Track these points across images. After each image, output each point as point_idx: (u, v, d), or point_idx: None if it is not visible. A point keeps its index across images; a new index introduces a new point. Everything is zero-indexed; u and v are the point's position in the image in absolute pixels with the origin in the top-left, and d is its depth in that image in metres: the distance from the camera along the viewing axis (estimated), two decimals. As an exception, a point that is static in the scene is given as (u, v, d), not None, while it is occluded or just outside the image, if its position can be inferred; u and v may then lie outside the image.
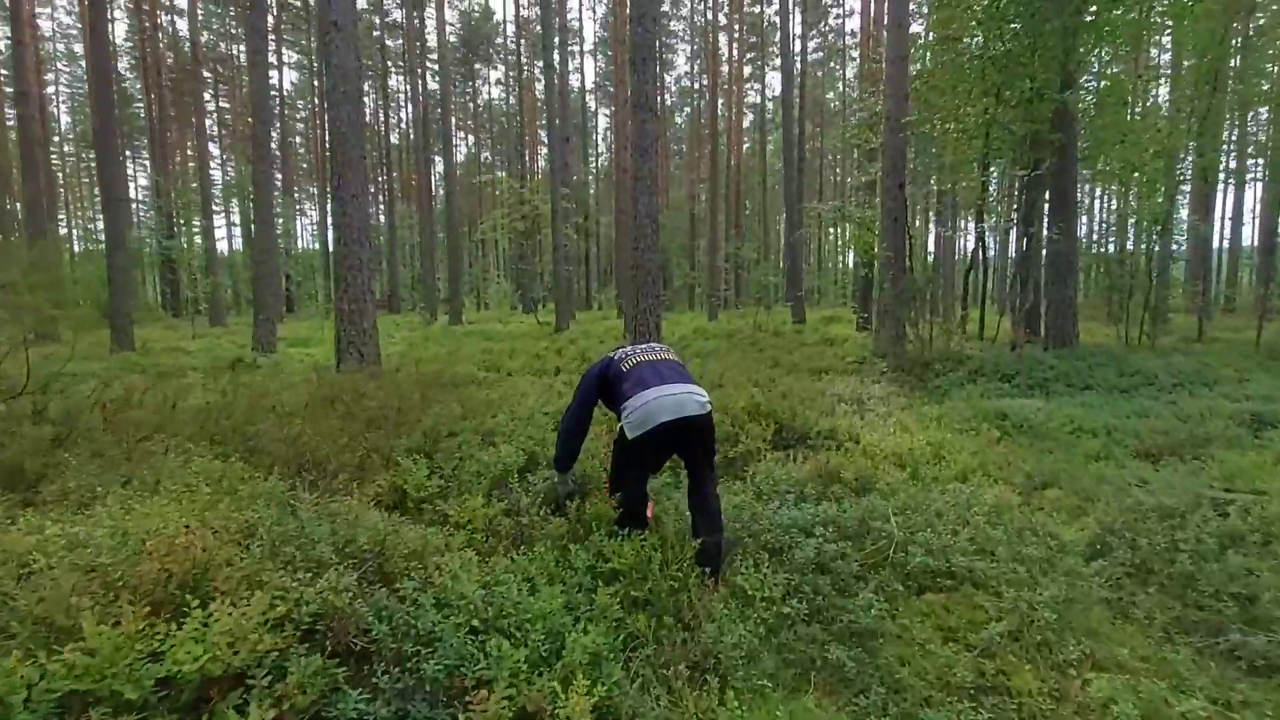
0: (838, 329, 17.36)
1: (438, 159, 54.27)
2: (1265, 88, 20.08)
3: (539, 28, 21.08)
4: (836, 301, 33.61)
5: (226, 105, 39.11)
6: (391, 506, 3.62)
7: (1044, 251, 10.90)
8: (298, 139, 43.98)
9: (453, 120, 24.78)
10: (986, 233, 14.58)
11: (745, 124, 43.85)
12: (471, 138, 49.52)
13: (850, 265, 23.65)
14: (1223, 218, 22.65)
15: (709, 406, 3.29)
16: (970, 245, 15.06)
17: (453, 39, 42.27)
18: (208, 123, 31.92)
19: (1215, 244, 22.35)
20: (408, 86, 35.89)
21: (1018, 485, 4.62)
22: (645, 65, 8.67)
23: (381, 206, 38.89)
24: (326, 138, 9.94)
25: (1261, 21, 19.10)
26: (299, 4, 36.88)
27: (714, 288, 22.80)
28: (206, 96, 35.74)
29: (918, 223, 23.69)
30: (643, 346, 3.69)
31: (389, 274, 37.61)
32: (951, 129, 10.82)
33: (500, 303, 33.16)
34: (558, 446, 3.65)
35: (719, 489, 3.58)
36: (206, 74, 34.23)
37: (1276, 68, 20.74)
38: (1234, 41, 16.84)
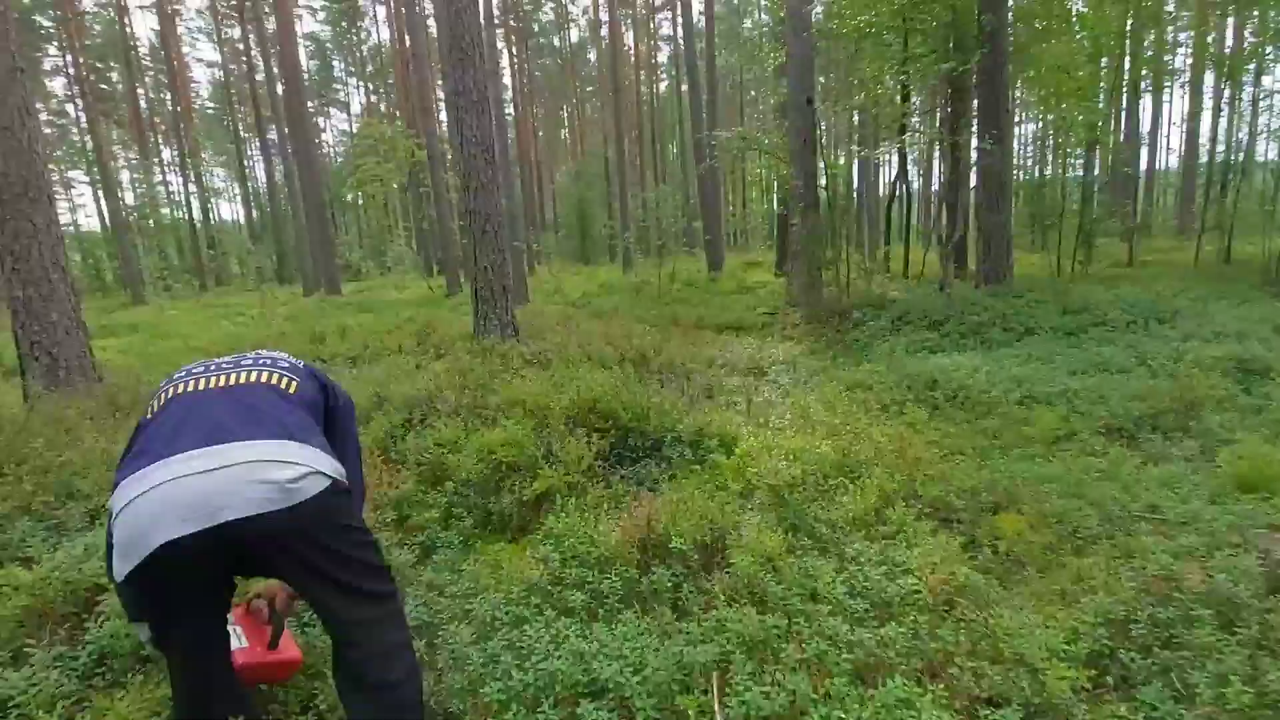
0: (756, 275, 15.73)
1: (334, 111, 49.53)
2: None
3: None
4: (764, 244, 32.03)
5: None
6: None
7: (973, 172, 9.35)
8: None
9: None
10: (909, 155, 13.03)
11: (662, 58, 41.16)
12: (363, 85, 44.88)
13: (775, 204, 21.93)
14: (1138, 133, 21.84)
15: (307, 488, 1.49)
16: (894, 174, 13.56)
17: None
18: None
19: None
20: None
21: (959, 512, 2.99)
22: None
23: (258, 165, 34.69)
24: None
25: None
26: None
27: (629, 237, 20.77)
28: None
29: (838, 153, 22.12)
30: (225, 361, 1.79)
31: (275, 242, 33.81)
32: (864, 21, 8.97)
33: (407, 268, 30.10)
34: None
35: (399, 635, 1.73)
36: None
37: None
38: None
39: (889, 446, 3.58)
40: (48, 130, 40.56)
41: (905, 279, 11.08)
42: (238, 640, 1.88)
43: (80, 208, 44.48)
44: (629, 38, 36.58)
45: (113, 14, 34.68)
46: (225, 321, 13.68)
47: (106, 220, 33.38)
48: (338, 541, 1.58)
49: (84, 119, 33.83)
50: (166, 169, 38.88)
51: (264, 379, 1.70)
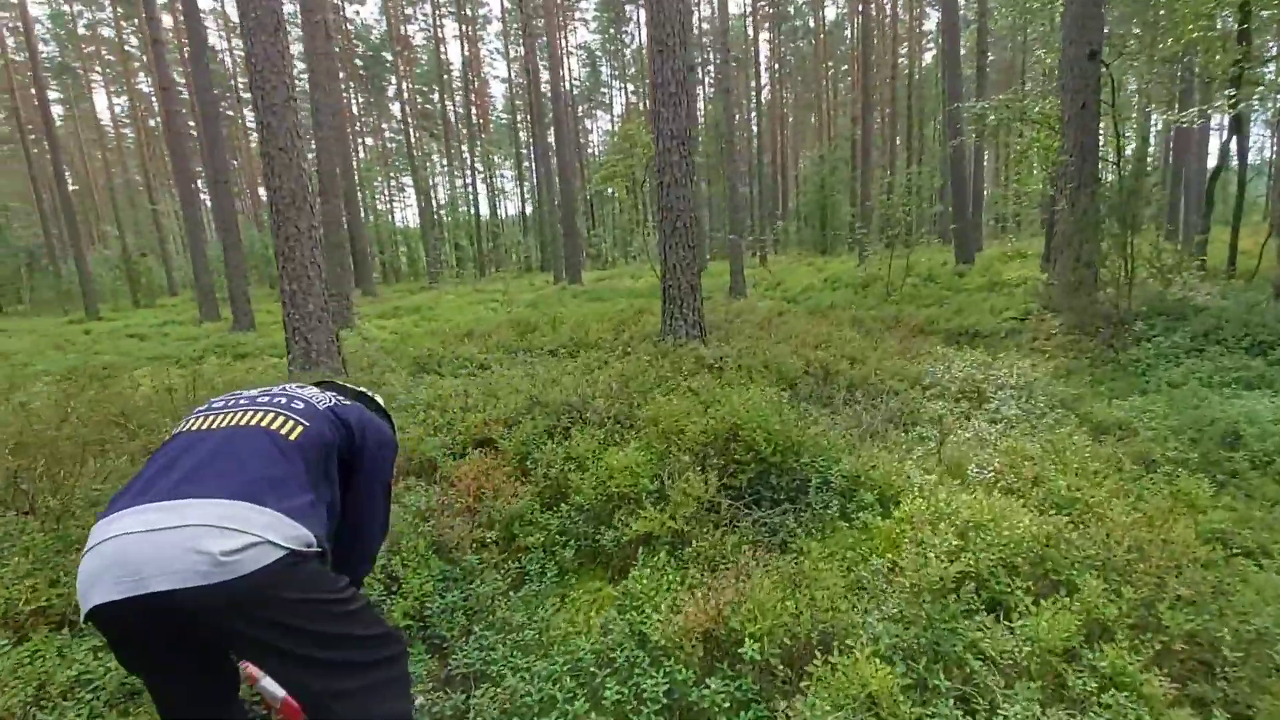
0: (1016, 270, 13.20)
1: (599, 113, 53.88)
2: None
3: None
4: (1038, 232, 26.92)
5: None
6: None
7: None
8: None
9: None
10: (1260, 115, 9.72)
11: (929, 25, 36.94)
12: (625, 87, 47.94)
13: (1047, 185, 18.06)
14: None
15: (246, 562, 1.32)
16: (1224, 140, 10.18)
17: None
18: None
19: None
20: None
21: (1230, 670, 1.93)
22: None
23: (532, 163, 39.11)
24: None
25: None
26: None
27: (867, 226, 18.95)
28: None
29: (1130, 119, 17.49)
30: (245, 397, 1.73)
31: (540, 234, 37.86)
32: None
33: (649, 258, 31.59)
34: None
35: None
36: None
37: None
38: None
39: (1133, 534, 2.50)
40: (391, 145, 51.00)
41: (1227, 279, 8.27)
42: (277, 689, 1.84)
43: (408, 208, 54.46)
44: (890, 5, 33.45)
45: (433, 45, 41.52)
46: (480, 307, 15.52)
47: (419, 218, 40.26)
48: (293, 616, 1.41)
49: (412, 133, 41.53)
50: (467, 172, 45.64)
51: (265, 422, 1.60)
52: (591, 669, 1.99)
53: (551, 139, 28.51)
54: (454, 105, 46.29)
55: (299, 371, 6.02)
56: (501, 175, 54.19)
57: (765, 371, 5.30)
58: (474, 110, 47.92)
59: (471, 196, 43.89)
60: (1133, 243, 6.32)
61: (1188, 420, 3.82)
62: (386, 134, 49.56)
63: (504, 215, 51.54)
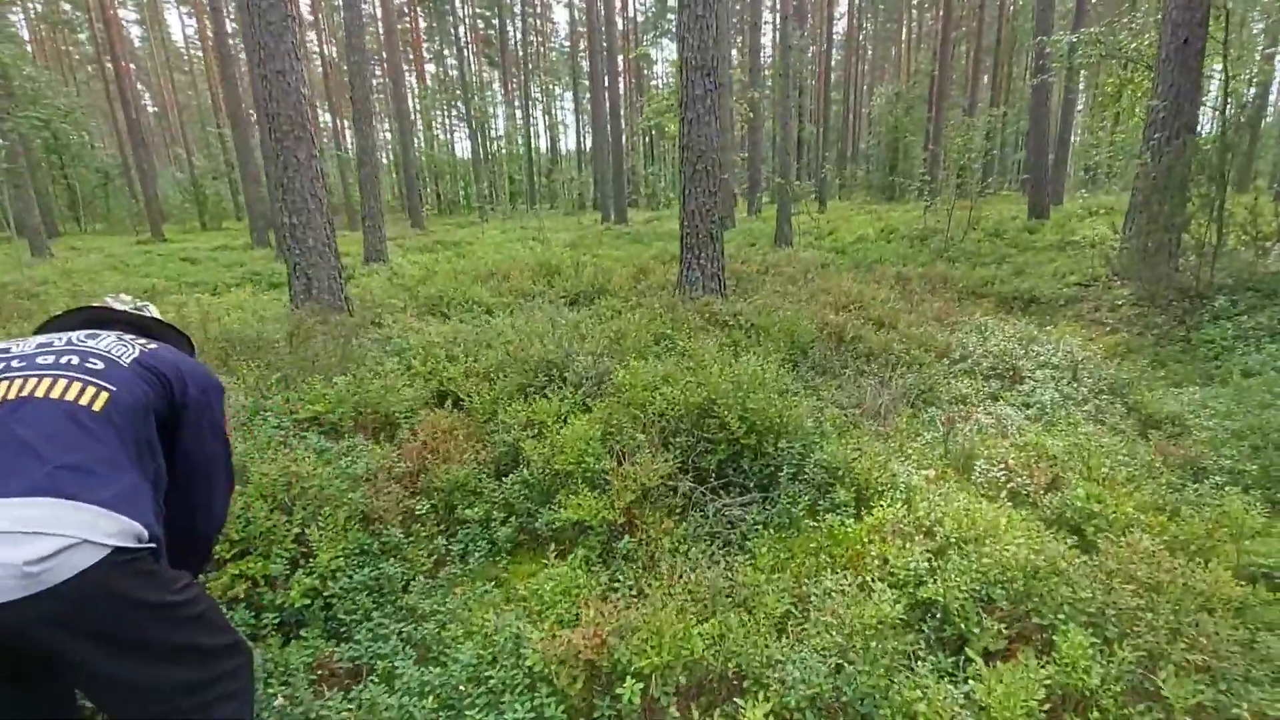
0: (1096, 227, 11.93)
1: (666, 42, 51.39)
2: None
3: None
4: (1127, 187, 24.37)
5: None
6: None
7: None
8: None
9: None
10: None
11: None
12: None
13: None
14: None
15: (60, 569, 1.10)
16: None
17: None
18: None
19: None
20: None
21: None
22: None
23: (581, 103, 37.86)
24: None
25: None
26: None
27: (935, 173, 17.47)
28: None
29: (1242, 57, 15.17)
30: (33, 349, 1.41)
31: (595, 172, 36.96)
32: None
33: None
34: None
35: None
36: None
37: None
38: None
39: (1152, 567, 2.05)
40: (453, 73, 50.29)
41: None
42: None
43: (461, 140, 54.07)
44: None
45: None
46: (519, 245, 15.26)
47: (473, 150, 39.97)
48: (127, 628, 1.20)
49: (470, 59, 40.82)
50: (526, 103, 44.69)
51: (57, 392, 1.30)
52: (462, 686, 1.75)
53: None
54: (515, 30, 45.00)
55: (297, 307, 5.91)
56: (560, 107, 53.05)
57: (777, 334, 4.85)
58: (535, 37, 46.63)
59: (528, 129, 43.13)
60: (1224, 203, 5.42)
61: (1253, 422, 3.23)
62: (450, 61, 48.77)
63: (563, 150, 50.79)
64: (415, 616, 2.24)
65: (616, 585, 2.21)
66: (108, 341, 1.48)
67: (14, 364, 1.36)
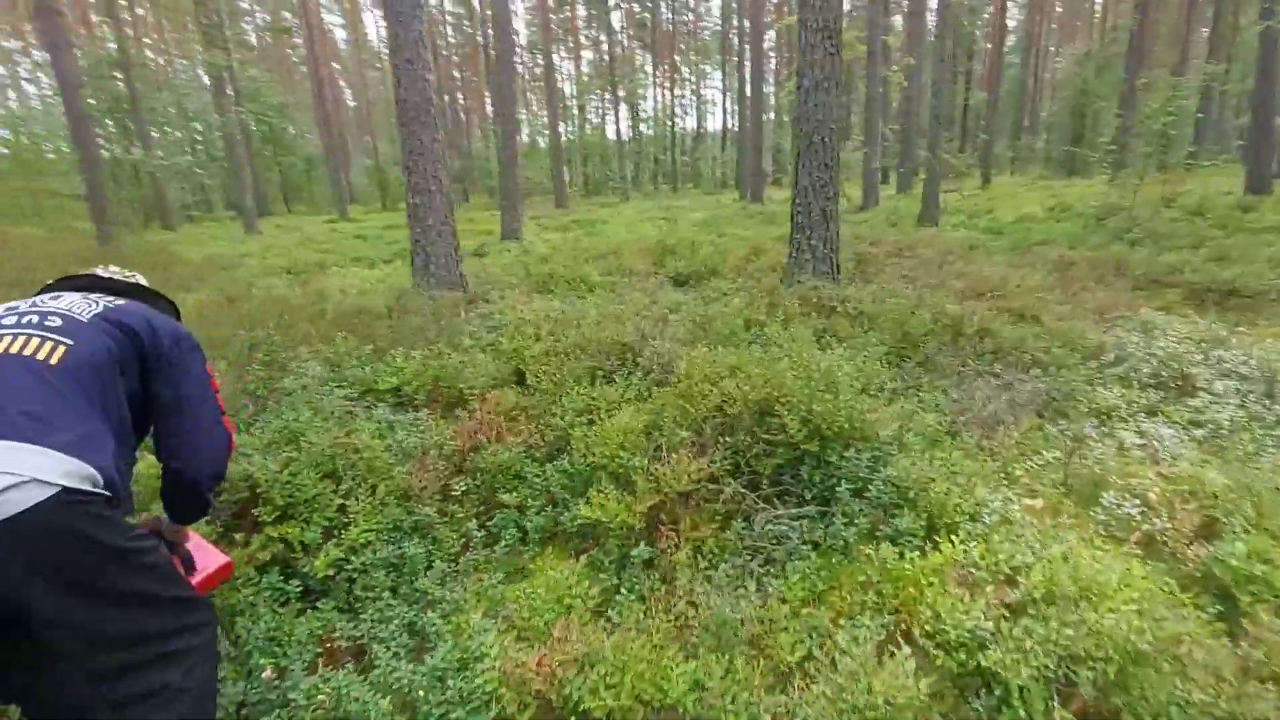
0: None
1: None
2: None
3: None
4: None
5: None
6: None
7: None
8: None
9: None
10: None
11: None
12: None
13: None
14: None
15: (19, 498, 1.14)
16: None
17: None
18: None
19: None
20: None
21: None
22: None
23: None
24: None
25: None
26: None
27: (1125, 141, 14.83)
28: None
29: None
30: (11, 305, 1.49)
31: (736, 151, 36.04)
32: None
33: (850, 176, 28.49)
34: None
35: None
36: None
37: None
38: None
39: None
40: (606, 58, 51.46)
41: None
42: None
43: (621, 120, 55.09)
44: None
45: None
46: (650, 224, 15.24)
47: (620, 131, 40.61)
48: (72, 568, 1.22)
49: (624, 46, 41.45)
50: (674, 84, 44.54)
51: (18, 348, 1.36)
52: (421, 689, 1.65)
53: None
54: (668, 11, 44.82)
55: (419, 284, 6.24)
56: (707, 86, 52.28)
57: (885, 324, 4.32)
58: (689, 16, 46.26)
59: (673, 108, 43.00)
60: None
61: None
62: (605, 46, 49.81)
63: (709, 128, 50.17)
64: (425, 602, 2.21)
65: (618, 600, 2.00)
66: (68, 300, 1.53)
67: (66, 297, 1.48)
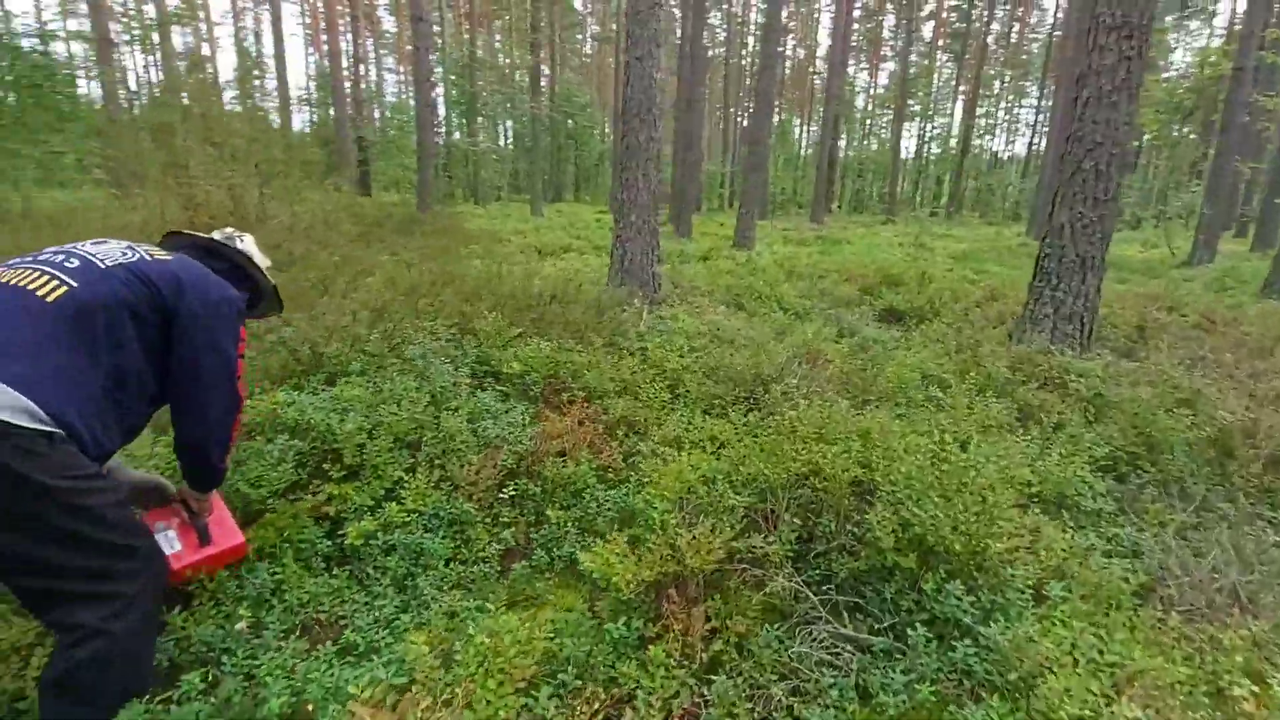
0: None
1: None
2: None
3: None
4: None
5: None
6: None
7: None
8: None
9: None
10: None
11: None
12: None
13: None
14: None
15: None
16: None
17: None
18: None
19: None
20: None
21: None
22: None
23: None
24: None
25: None
26: None
27: None
28: None
29: None
30: (45, 253, 1.60)
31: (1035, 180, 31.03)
32: None
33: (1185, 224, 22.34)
34: None
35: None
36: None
37: None
38: None
39: None
40: (911, 70, 48.23)
41: None
42: (169, 545, 1.93)
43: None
44: None
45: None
46: (897, 248, 13.85)
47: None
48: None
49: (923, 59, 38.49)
50: (975, 100, 40.16)
51: (24, 282, 1.48)
52: (325, 697, 1.52)
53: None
54: (986, 19, 40.41)
55: (613, 279, 6.34)
56: (1021, 106, 46.12)
57: (1122, 418, 3.19)
58: (1015, 24, 41.36)
59: (967, 128, 38.71)
60: None
61: None
62: (912, 57, 46.73)
63: (1013, 152, 44.51)
64: (417, 601, 2.11)
65: (555, 680, 1.67)
66: (107, 248, 1.63)
67: (24, 260, 1.57)
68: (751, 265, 9.53)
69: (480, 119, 31.57)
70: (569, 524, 2.50)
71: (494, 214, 21.02)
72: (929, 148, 37.70)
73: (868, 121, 44.88)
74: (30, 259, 1.56)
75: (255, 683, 1.68)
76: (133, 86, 26.36)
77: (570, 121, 35.74)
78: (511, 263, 8.34)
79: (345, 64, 22.90)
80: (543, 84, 28.76)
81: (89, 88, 18.30)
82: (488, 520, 2.54)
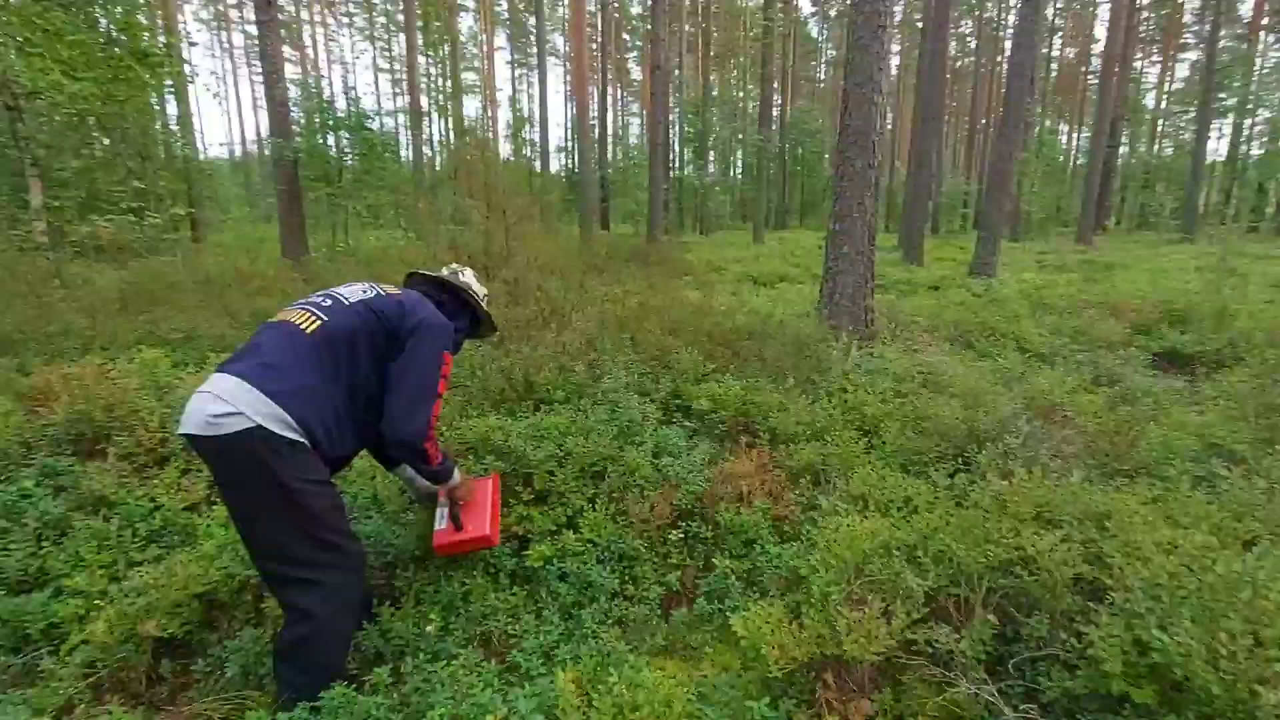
0: None
1: None
2: None
3: None
4: None
5: None
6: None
7: None
8: None
9: None
10: None
11: None
12: None
13: None
14: None
15: (225, 426, 1.64)
16: None
17: None
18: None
19: None
20: None
21: None
22: None
23: None
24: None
25: None
26: None
27: None
28: None
29: None
30: (314, 295, 2.02)
31: None
32: None
33: None
34: None
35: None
36: None
37: None
38: None
39: None
40: (1222, 57, 39.31)
41: None
42: (439, 522, 2.27)
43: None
44: None
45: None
46: (1195, 275, 11.23)
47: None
48: (249, 484, 1.69)
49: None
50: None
51: (294, 319, 1.87)
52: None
53: None
54: None
55: (821, 312, 6.06)
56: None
57: None
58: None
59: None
60: None
61: None
62: (1222, 43, 38.27)
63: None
64: (579, 632, 2.18)
65: None
66: (353, 289, 2.01)
67: (299, 302, 1.97)
68: (990, 296, 8.47)
69: (710, 152, 32.69)
70: (736, 575, 2.41)
71: (717, 242, 21.53)
72: (1246, 149, 30.12)
73: (1160, 122, 37.47)
74: (303, 301, 1.97)
75: (430, 685, 1.87)
76: (435, 147, 32.26)
77: (799, 149, 35.33)
78: (723, 293, 8.43)
79: (592, 112, 25.46)
80: (774, 113, 28.92)
81: (409, 151, 22.87)
82: (656, 559, 2.56)
